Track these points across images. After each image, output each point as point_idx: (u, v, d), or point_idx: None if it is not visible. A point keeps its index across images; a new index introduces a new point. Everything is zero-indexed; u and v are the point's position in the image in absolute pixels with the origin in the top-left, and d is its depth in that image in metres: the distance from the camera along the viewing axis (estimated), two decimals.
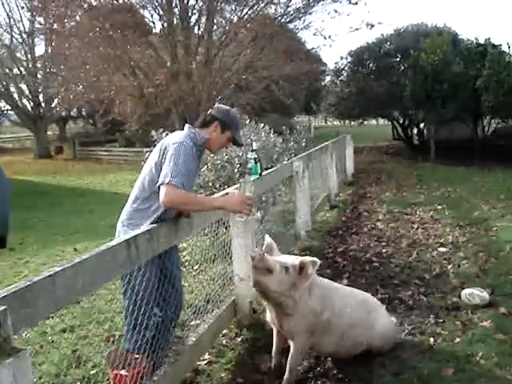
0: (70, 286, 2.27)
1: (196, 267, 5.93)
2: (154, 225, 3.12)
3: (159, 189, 3.12)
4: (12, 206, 3.37)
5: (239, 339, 4.42)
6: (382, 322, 4.05)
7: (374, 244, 7.59)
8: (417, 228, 8.49)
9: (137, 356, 3.21)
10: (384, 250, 7.21)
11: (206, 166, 7.03)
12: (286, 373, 3.69)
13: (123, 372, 3.12)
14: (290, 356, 3.73)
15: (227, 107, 3.71)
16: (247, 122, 8.51)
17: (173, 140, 3.30)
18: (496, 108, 15.94)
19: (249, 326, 4.58)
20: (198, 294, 4.89)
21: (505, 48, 17.07)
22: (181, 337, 4.11)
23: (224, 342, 4.39)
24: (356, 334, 3.89)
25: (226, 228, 4.92)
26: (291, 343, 3.74)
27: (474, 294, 5.00)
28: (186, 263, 6.07)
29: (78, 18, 19.20)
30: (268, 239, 3.90)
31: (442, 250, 7.09)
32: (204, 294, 4.81)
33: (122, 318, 3.58)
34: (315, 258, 3.66)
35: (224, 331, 4.50)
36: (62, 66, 21.98)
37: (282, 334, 3.85)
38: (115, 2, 18.65)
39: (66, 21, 19.40)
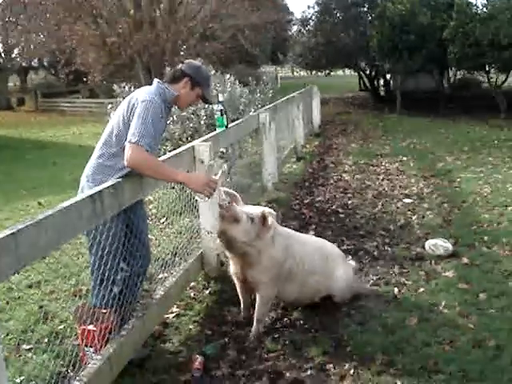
0: (34, 244, 2.23)
1: (163, 220, 5.90)
2: (119, 179, 3.07)
3: (128, 145, 3.06)
4: None
5: (207, 292, 4.45)
6: (340, 269, 4.09)
7: (340, 195, 7.65)
8: (382, 179, 8.58)
9: (104, 311, 3.20)
10: (350, 202, 7.28)
11: (171, 119, 6.91)
12: (254, 323, 3.75)
13: (91, 327, 3.12)
14: (256, 307, 3.78)
15: (198, 63, 3.61)
16: (213, 72, 8.35)
17: (142, 97, 3.20)
18: (462, 59, 15.94)
19: (216, 278, 4.60)
20: (165, 247, 4.88)
21: None
22: (148, 290, 4.11)
23: (192, 294, 4.41)
24: (315, 281, 3.95)
25: None
26: (257, 294, 3.79)
27: (438, 244, 5.10)
28: (153, 216, 6.02)
29: None
30: (228, 190, 3.85)
31: (407, 201, 7.18)
32: (171, 247, 4.80)
33: (89, 273, 3.55)
34: (271, 210, 3.73)
35: (192, 284, 4.52)
36: (22, 15, 21.25)
37: (245, 287, 3.88)
38: None
39: None
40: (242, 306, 4.00)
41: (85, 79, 21.90)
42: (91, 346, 3.10)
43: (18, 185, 9.78)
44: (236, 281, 3.94)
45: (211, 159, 4.56)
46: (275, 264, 3.72)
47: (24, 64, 31.94)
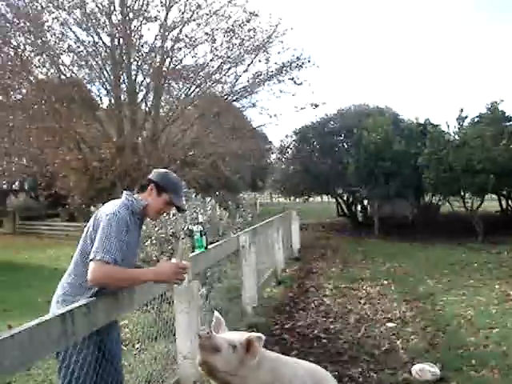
0: None
1: (137, 345, 5.65)
2: (93, 298, 2.93)
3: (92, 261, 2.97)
4: None
5: None
6: None
7: (321, 320, 7.47)
8: (364, 303, 8.44)
9: None
10: (332, 326, 7.09)
11: (149, 240, 6.83)
12: None
13: None
14: None
15: (165, 170, 3.55)
16: (193, 195, 8.42)
17: (106, 210, 3.13)
18: (437, 185, 16.38)
19: None
20: (139, 373, 4.62)
21: (444, 127, 17.82)
22: None
23: None
24: None
25: (169, 304, 4.72)
26: None
27: (425, 369, 4.93)
28: (127, 341, 5.79)
29: (23, 90, 19.11)
30: (217, 314, 3.75)
31: (390, 325, 7.03)
32: (145, 374, 4.54)
33: None
34: (260, 334, 3.53)
35: None
36: (5, 139, 21.62)
37: None
38: (62, 76, 18.70)
39: (11, 93, 19.24)
40: None
41: (64, 203, 21.94)
42: None
43: None
44: None
45: (190, 280, 4.45)
46: None
47: (4, 186, 32.07)
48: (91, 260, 2.92)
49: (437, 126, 17.96)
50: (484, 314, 7.33)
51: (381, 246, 16.72)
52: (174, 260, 3.42)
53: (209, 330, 3.33)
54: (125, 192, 3.36)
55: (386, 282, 10.16)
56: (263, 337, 3.49)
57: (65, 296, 3.11)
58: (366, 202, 24.26)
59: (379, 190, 18.18)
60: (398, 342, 6.20)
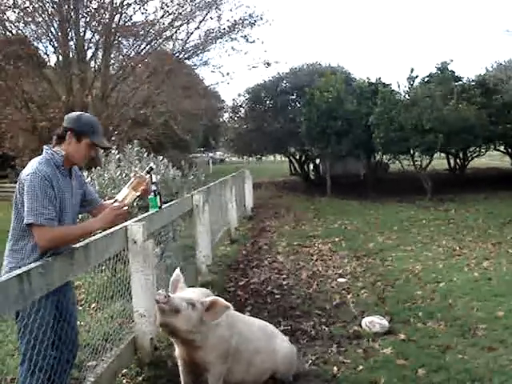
0: None
1: (93, 305, 5.67)
2: (49, 259, 2.94)
3: (30, 227, 3.00)
4: None
5: (140, 378, 4.23)
6: (283, 347, 4.07)
7: (274, 277, 7.61)
8: (316, 260, 8.62)
9: None
10: (285, 282, 7.24)
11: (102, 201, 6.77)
12: None
13: None
14: None
15: (77, 113, 3.39)
16: (145, 154, 8.35)
17: (27, 171, 3.08)
18: (387, 144, 16.65)
19: (150, 363, 4.39)
20: (96, 332, 4.66)
21: (394, 87, 18.05)
22: (78, 378, 3.88)
23: (124, 381, 4.19)
24: (261, 360, 3.89)
25: (124, 263, 4.74)
26: (208, 374, 3.66)
27: (374, 321, 5.11)
28: (83, 301, 5.80)
29: None
30: (177, 271, 3.81)
31: (341, 280, 7.22)
32: (102, 332, 4.58)
33: (17, 362, 3.32)
34: (229, 304, 3.61)
35: (124, 370, 4.30)
36: None
37: (190, 370, 3.73)
38: (8, 33, 18.04)
39: None
40: None
41: (13, 164, 21.39)
42: None
43: None
44: (181, 363, 3.76)
45: (145, 239, 4.47)
46: (222, 342, 3.64)
47: None
48: (29, 225, 2.97)
49: (388, 85, 18.19)
50: (431, 268, 7.61)
51: (332, 204, 16.99)
52: (117, 200, 3.43)
53: (165, 293, 3.35)
54: (44, 147, 3.26)
55: (337, 239, 10.38)
56: (231, 307, 3.60)
57: (11, 264, 3.11)
58: (318, 160, 24.50)
59: (331, 149, 18.36)
60: (349, 297, 6.39)
